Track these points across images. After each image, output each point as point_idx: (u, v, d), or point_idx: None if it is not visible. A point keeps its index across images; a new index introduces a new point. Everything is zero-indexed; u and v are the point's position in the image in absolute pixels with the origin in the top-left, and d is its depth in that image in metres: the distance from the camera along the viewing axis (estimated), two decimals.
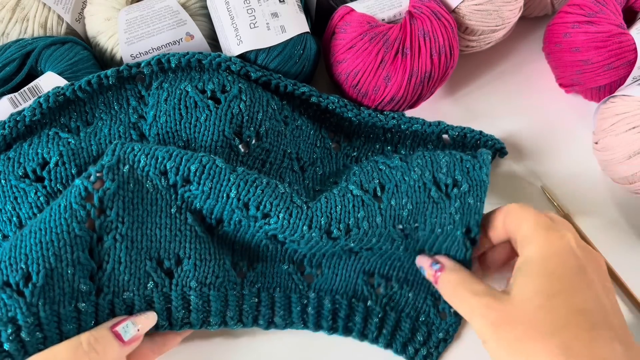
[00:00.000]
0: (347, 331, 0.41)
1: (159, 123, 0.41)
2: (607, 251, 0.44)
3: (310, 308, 0.41)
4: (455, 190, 0.39)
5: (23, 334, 0.33)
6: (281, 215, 0.38)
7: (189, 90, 0.41)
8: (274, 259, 0.42)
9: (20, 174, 0.38)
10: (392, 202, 0.39)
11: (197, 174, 0.37)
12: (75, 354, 0.32)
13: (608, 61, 0.45)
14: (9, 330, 0.33)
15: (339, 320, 0.41)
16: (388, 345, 0.41)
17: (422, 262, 0.40)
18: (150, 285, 0.37)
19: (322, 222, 0.38)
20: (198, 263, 0.38)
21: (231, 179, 0.38)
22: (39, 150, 0.39)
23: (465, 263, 0.39)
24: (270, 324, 0.41)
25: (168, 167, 0.38)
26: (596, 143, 0.46)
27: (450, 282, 0.37)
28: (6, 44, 0.44)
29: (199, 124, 0.41)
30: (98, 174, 0.37)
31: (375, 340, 0.41)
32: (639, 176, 0.43)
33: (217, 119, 0.41)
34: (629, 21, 0.48)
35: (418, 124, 0.46)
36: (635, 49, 0.45)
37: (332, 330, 0.41)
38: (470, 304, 0.35)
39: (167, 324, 0.38)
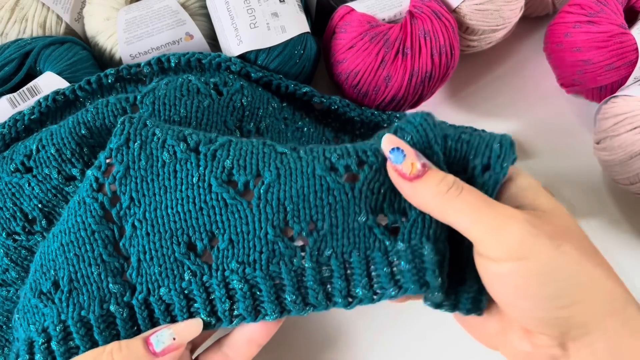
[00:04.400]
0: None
1: (156, 94, 0.38)
2: (607, 251, 0.44)
3: (403, 263, 0.30)
4: None
5: (53, 344, 0.31)
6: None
7: (192, 79, 0.40)
8: (345, 211, 0.31)
9: (12, 169, 0.38)
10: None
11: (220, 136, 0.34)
12: None
13: (609, 61, 0.45)
14: (40, 341, 0.31)
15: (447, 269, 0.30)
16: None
17: (397, 142, 0.30)
18: (187, 275, 0.32)
19: None
20: (234, 237, 0.31)
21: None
22: (27, 144, 0.38)
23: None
24: (352, 300, 0.31)
25: (187, 134, 0.33)
26: (597, 143, 0.46)
27: (447, 183, 0.28)
28: (5, 44, 0.44)
29: (202, 107, 0.38)
30: (108, 160, 0.33)
31: None
32: None
33: (219, 107, 0.40)
34: (630, 21, 0.47)
35: None
36: (636, 49, 0.45)
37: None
38: (504, 213, 0.27)
39: (215, 320, 0.32)
